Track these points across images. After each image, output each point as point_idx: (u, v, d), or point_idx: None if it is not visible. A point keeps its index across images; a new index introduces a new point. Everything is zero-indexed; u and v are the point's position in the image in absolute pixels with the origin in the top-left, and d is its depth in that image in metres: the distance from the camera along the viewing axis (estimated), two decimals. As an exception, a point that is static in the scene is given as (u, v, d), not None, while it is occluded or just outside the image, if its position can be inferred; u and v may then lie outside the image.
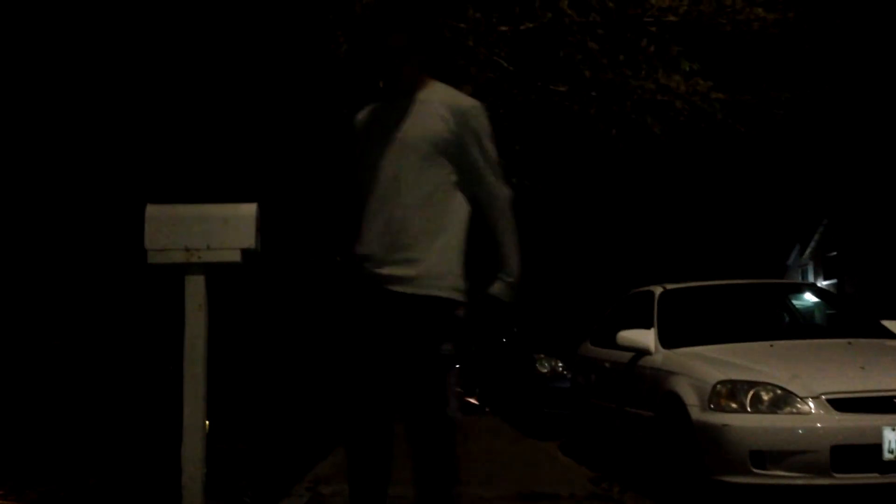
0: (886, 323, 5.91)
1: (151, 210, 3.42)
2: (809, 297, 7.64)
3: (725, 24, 8.70)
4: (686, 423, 4.80)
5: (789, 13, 8.65)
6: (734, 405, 4.55)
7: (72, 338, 8.09)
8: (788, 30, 8.86)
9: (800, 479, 4.29)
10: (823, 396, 4.43)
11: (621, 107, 9.01)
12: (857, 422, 4.34)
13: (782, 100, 9.36)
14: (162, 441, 4.43)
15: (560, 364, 9.97)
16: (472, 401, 18.07)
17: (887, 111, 24.10)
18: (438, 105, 2.87)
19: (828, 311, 7.00)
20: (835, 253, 34.72)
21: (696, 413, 4.72)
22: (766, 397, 4.50)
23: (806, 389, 4.48)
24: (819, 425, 4.35)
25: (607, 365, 6.62)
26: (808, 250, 38.59)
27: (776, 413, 4.45)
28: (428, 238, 2.80)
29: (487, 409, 14.35)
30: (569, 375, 8.84)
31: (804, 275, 39.43)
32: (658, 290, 6.40)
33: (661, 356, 5.58)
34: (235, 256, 3.41)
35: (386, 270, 2.80)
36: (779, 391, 4.50)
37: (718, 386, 4.65)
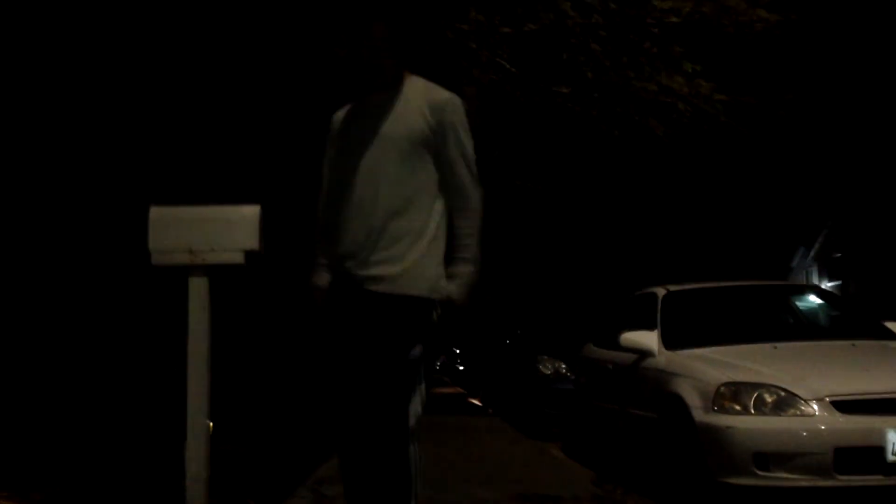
0: (890, 324, 5.90)
1: (155, 212, 3.43)
2: (813, 299, 7.62)
3: (728, 25, 8.71)
4: (689, 425, 4.79)
5: (791, 15, 8.65)
6: (738, 407, 4.55)
7: (75, 339, 8.09)
8: (791, 31, 8.86)
9: (803, 481, 4.28)
10: (827, 398, 4.43)
11: (624, 108, 9.02)
12: (860, 423, 4.33)
13: (785, 101, 9.37)
14: (165, 442, 4.44)
15: (563, 365, 9.98)
16: (475, 401, 18.07)
17: (891, 113, 24.06)
18: (418, 100, 2.83)
19: (831, 313, 6.98)
20: (839, 254, 34.67)
21: (699, 415, 4.72)
22: (769, 399, 4.49)
23: (809, 391, 4.47)
24: (822, 427, 4.34)
25: (610, 366, 6.61)
26: (813, 252, 38.52)
27: (780, 415, 4.45)
28: (408, 238, 2.75)
29: (490, 410, 14.35)
30: (571, 377, 8.84)
31: (808, 276, 39.36)
32: (661, 291, 6.40)
33: (664, 358, 5.57)
34: (238, 258, 3.41)
35: (365, 271, 2.76)
36: (782, 393, 4.49)
37: (722, 388, 4.64)
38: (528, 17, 8.42)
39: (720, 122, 9.06)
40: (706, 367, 5.02)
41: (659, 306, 6.17)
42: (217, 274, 3.48)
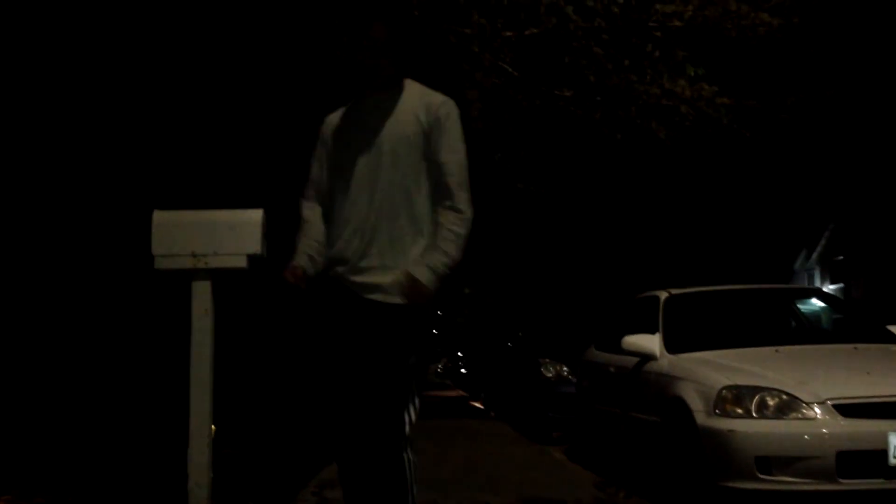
0: (893, 328, 5.90)
1: (158, 216, 3.43)
2: (815, 302, 7.62)
3: (731, 29, 8.71)
4: (691, 429, 4.79)
5: (794, 18, 8.65)
6: (740, 410, 4.55)
7: (80, 343, 8.11)
8: (793, 35, 8.86)
9: (805, 485, 4.28)
10: (829, 402, 4.43)
11: (626, 112, 9.02)
12: (862, 427, 4.33)
13: (788, 104, 9.37)
14: (168, 446, 4.44)
15: (565, 369, 9.98)
16: (478, 405, 18.07)
17: (893, 115, 24.05)
18: (413, 103, 2.79)
19: (834, 316, 6.98)
20: (841, 257, 34.64)
21: (701, 418, 4.72)
22: (771, 403, 4.50)
23: (812, 395, 4.47)
24: (825, 431, 4.34)
25: (612, 370, 6.62)
26: (815, 254, 38.49)
27: (782, 419, 4.45)
28: (403, 244, 2.72)
29: (492, 414, 14.35)
30: (574, 380, 8.84)
31: (811, 279, 39.33)
32: (663, 294, 6.40)
33: (666, 361, 5.57)
34: (242, 262, 3.42)
35: (359, 277, 2.73)
36: (784, 397, 4.49)
37: (724, 391, 4.65)
38: (531, 21, 8.42)
39: (723, 126, 9.06)
40: (708, 370, 5.02)
41: (661, 310, 6.17)
42: (220, 278, 3.48)
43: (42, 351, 7.79)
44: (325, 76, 8.21)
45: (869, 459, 4.26)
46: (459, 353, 40.43)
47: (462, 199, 2.74)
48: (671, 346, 5.69)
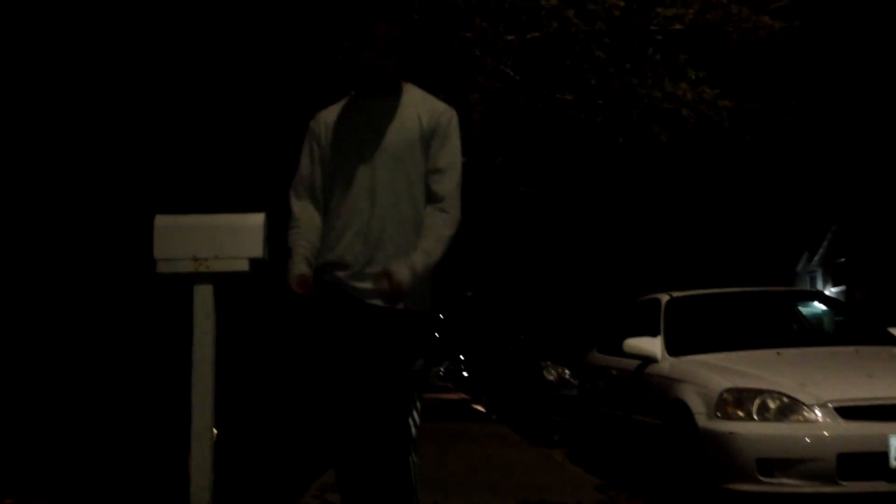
0: (894, 330, 5.90)
1: (160, 220, 3.45)
2: (817, 305, 7.62)
3: (732, 32, 8.72)
4: (693, 431, 4.80)
5: (795, 21, 8.66)
6: (741, 413, 4.55)
7: (82, 346, 8.12)
8: (795, 37, 8.87)
9: (806, 487, 4.28)
10: (830, 404, 4.43)
11: (628, 115, 9.03)
12: (863, 429, 4.33)
13: (789, 107, 9.37)
14: (170, 449, 4.45)
15: (567, 371, 9.97)
16: (480, 408, 18.06)
17: (895, 117, 24.03)
18: (415, 107, 2.78)
19: (835, 319, 6.97)
20: (843, 259, 34.62)
21: (702, 421, 4.72)
22: (772, 405, 4.50)
23: (813, 397, 4.48)
24: (826, 433, 4.34)
25: (614, 373, 6.62)
26: (817, 257, 38.48)
27: (783, 421, 4.45)
28: (404, 251, 2.68)
29: (494, 416, 14.34)
30: (575, 383, 8.84)
31: (813, 281, 39.32)
32: (665, 297, 6.40)
33: (667, 364, 5.58)
34: (243, 266, 3.43)
35: (363, 283, 2.70)
36: (785, 399, 4.50)
37: (725, 394, 4.65)
38: (532, 25, 8.44)
39: (724, 129, 9.06)
40: (709, 373, 5.02)
41: (662, 312, 6.17)
42: (222, 281, 3.50)
43: (45, 354, 7.80)
44: (326, 79, 8.22)
45: (870, 462, 4.26)
46: (461, 357, 40.41)
47: (452, 203, 2.73)
48: (672, 348, 5.70)
